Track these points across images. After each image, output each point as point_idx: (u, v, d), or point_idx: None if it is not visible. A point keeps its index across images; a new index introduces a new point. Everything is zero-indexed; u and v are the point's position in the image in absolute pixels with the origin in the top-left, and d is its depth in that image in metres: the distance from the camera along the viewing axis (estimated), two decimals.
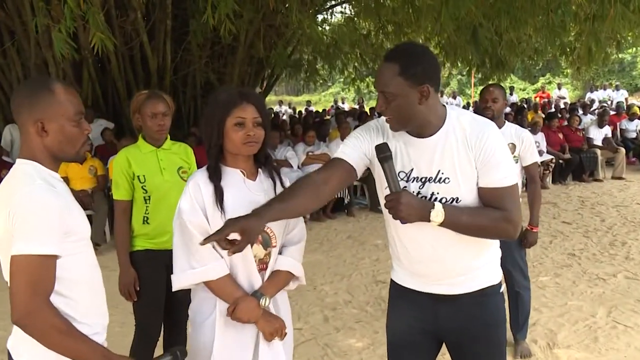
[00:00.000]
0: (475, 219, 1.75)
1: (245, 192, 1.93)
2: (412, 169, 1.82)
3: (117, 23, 7.84)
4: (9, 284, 1.57)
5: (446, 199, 1.78)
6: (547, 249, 5.87)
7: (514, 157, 3.44)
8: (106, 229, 6.48)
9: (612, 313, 4.20)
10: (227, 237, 1.61)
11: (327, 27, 12.44)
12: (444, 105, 1.85)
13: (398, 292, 2.01)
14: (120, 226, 2.84)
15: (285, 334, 1.96)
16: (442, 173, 1.78)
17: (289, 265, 1.99)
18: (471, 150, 1.76)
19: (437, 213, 1.69)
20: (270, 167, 2.04)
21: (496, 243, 1.94)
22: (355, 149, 1.86)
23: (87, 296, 1.66)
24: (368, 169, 1.94)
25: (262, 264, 1.95)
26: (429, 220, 1.70)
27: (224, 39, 7.03)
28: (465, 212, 1.76)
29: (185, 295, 2.04)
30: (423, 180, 1.80)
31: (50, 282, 1.52)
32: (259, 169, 2.02)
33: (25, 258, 1.48)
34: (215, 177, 1.90)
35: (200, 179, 1.91)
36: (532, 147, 3.47)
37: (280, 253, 2.00)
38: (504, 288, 1.98)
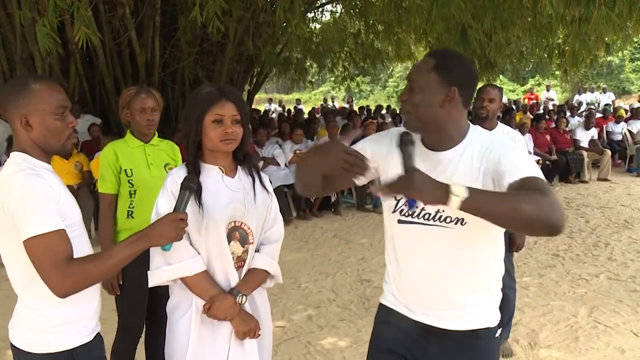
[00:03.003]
0: (509, 197, 1.45)
1: (224, 189, 1.93)
2: None
3: (105, 18, 7.79)
4: (6, 268, 1.69)
5: (450, 218, 1.66)
6: (531, 250, 5.90)
7: None
8: (91, 225, 6.44)
9: (593, 313, 4.24)
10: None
11: (317, 26, 12.45)
12: (470, 123, 1.74)
13: (385, 316, 1.87)
14: (105, 220, 2.83)
15: (259, 335, 1.95)
16: None
17: (266, 263, 1.99)
18: (486, 162, 1.62)
19: (459, 187, 1.40)
20: (250, 164, 2.04)
21: (499, 280, 1.80)
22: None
23: None
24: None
25: (240, 261, 1.95)
26: (447, 197, 1.39)
27: (212, 36, 7.00)
28: (496, 193, 1.51)
29: (167, 293, 2.04)
30: None
31: (67, 248, 1.61)
32: (238, 166, 2.02)
33: (35, 240, 1.56)
34: (193, 174, 1.90)
35: (178, 176, 1.90)
36: (523, 149, 3.48)
37: (257, 251, 2.00)
38: (499, 332, 1.83)
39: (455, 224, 1.66)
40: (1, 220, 1.61)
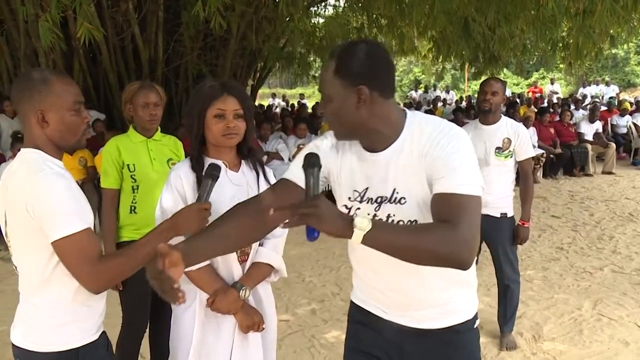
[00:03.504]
0: (413, 233, 1.39)
1: (227, 183, 1.93)
2: (366, 188, 1.57)
3: (108, 14, 7.79)
4: (17, 268, 1.69)
5: (403, 221, 1.53)
6: (535, 243, 5.90)
7: (509, 151, 3.45)
8: (95, 220, 6.47)
9: (597, 306, 4.24)
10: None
11: (320, 20, 12.42)
12: (405, 111, 1.58)
13: (359, 315, 1.76)
14: (108, 214, 2.84)
15: (263, 328, 1.96)
16: (397, 192, 1.53)
17: (270, 257, 2.00)
18: (424, 158, 1.48)
19: (363, 221, 1.31)
20: (254, 158, 2.05)
21: (472, 271, 1.67)
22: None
23: None
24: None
25: (244, 255, 1.96)
26: (351, 229, 1.32)
27: (215, 31, 7.00)
28: (403, 228, 1.45)
29: None
30: (379, 200, 1.55)
31: (96, 246, 1.63)
32: (242, 161, 2.03)
33: (66, 241, 1.56)
34: (197, 168, 1.90)
35: (181, 170, 1.92)
36: (527, 142, 3.48)
37: (261, 245, 2.01)
38: (478, 322, 1.73)
39: (411, 224, 1.54)
40: (22, 221, 1.59)
